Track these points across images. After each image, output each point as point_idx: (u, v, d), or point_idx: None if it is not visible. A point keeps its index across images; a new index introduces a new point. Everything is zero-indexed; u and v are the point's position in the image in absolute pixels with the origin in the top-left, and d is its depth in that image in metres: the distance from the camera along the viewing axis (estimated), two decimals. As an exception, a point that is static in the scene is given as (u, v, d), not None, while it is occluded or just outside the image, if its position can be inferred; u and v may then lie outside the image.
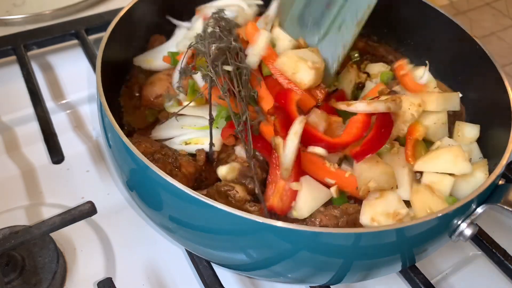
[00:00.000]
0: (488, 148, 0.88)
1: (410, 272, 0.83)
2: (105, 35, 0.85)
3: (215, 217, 0.65)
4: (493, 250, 0.86)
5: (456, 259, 0.91)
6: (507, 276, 0.86)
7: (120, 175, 0.79)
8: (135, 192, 0.77)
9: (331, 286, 0.80)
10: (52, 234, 0.81)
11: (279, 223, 0.62)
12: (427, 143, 0.86)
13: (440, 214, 0.66)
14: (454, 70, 1.01)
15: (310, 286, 0.81)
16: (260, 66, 0.87)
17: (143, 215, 0.88)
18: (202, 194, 0.74)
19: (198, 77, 0.85)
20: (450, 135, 0.90)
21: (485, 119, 0.90)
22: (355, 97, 0.95)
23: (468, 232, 0.70)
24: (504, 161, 0.74)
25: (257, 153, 0.79)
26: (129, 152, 0.69)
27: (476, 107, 0.93)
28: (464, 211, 0.70)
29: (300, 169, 0.75)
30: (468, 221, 0.71)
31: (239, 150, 0.80)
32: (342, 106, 0.83)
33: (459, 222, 0.71)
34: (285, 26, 0.94)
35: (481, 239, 0.88)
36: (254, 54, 0.85)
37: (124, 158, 0.73)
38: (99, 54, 0.82)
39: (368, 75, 1.01)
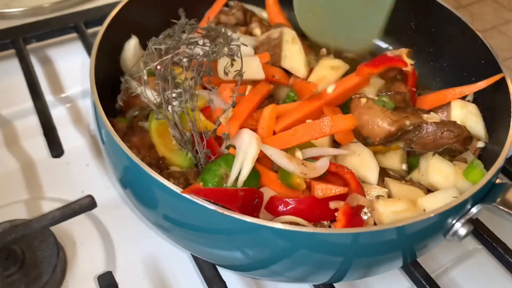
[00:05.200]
0: (490, 141, 0.88)
1: (410, 266, 0.82)
2: (100, 29, 0.85)
3: (208, 218, 0.64)
4: (494, 244, 0.86)
5: (456, 253, 0.91)
6: (507, 270, 0.86)
7: (114, 172, 0.79)
8: (129, 189, 0.76)
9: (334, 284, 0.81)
10: (52, 228, 0.81)
11: (270, 223, 0.61)
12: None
13: (433, 214, 0.65)
14: (455, 63, 1.01)
15: (313, 285, 0.81)
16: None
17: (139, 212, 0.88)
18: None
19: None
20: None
21: (486, 114, 0.90)
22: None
23: (462, 231, 0.69)
24: (501, 160, 0.73)
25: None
26: (121, 151, 0.68)
27: (477, 102, 0.93)
28: (459, 210, 0.69)
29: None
30: (463, 220, 0.69)
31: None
32: None
33: (454, 222, 0.69)
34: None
35: (482, 233, 0.88)
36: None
37: (116, 155, 0.72)
38: (94, 50, 0.81)
39: None
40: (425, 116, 0.85)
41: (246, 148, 0.74)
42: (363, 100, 0.85)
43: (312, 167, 0.75)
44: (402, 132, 0.84)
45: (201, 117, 0.79)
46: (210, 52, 0.74)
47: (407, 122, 0.83)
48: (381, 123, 0.83)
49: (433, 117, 0.86)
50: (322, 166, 0.76)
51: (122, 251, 0.86)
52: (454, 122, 0.86)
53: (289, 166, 0.74)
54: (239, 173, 0.73)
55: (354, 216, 0.72)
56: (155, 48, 0.73)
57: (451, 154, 0.87)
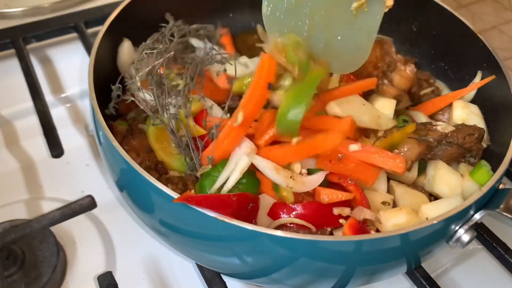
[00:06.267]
0: (493, 144, 0.87)
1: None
2: (101, 30, 0.84)
3: (205, 224, 0.64)
4: (494, 244, 0.86)
5: (456, 253, 0.91)
6: (507, 270, 0.85)
7: (111, 174, 0.79)
8: (125, 192, 0.76)
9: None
10: (52, 228, 0.81)
11: (269, 231, 0.61)
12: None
13: (436, 221, 0.64)
14: (455, 64, 1.01)
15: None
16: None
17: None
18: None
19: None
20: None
21: (488, 115, 0.90)
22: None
23: (466, 238, 0.69)
24: (504, 165, 0.72)
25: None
26: (118, 154, 0.68)
27: (477, 103, 0.93)
28: (461, 216, 0.68)
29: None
30: (466, 227, 0.69)
31: None
32: None
33: (457, 228, 0.69)
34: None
35: (482, 233, 0.88)
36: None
37: (113, 158, 0.72)
38: (93, 53, 0.81)
39: None
40: (438, 128, 0.83)
41: (238, 159, 0.72)
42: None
43: (300, 181, 0.73)
44: (429, 149, 0.82)
45: (192, 123, 0.77)
46: (202, 58, 0.73)
47: (431, 139, 0.81)
48: (410, 147, 0.80)
49: (446, 127, 0.83)
50: (312, 181, 0.74)
51: (122, 251, 0.86)
52: (467, 125, 0.84)
53: (275, 178, 0.72)
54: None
55: (360, 231, 0.71)
56: (146, 54, 0.72)
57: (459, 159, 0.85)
